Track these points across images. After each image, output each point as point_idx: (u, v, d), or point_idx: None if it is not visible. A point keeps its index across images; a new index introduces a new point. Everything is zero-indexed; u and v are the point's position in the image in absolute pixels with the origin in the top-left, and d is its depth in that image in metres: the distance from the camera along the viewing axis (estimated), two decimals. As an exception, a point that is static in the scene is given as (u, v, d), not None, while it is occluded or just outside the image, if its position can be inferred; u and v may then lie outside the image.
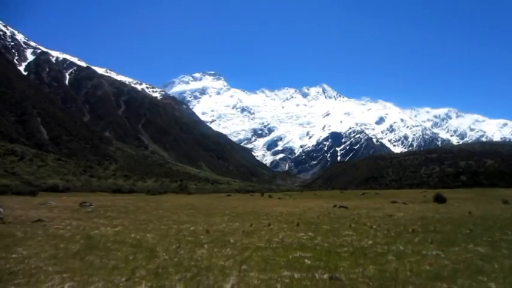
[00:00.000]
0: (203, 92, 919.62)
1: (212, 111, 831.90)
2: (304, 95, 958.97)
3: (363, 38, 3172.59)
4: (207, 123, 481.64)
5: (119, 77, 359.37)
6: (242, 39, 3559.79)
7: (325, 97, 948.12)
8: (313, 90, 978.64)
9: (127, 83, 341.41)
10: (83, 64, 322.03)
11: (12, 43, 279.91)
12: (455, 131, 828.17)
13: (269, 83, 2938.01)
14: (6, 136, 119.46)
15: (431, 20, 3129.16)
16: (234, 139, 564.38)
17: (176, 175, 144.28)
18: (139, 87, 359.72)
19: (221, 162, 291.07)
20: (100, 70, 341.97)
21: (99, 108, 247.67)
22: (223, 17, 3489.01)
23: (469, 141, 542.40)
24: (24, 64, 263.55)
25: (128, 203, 31.71)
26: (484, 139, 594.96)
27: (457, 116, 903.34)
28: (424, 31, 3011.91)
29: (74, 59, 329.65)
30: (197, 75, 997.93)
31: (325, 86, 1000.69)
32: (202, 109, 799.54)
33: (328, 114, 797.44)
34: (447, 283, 7.19)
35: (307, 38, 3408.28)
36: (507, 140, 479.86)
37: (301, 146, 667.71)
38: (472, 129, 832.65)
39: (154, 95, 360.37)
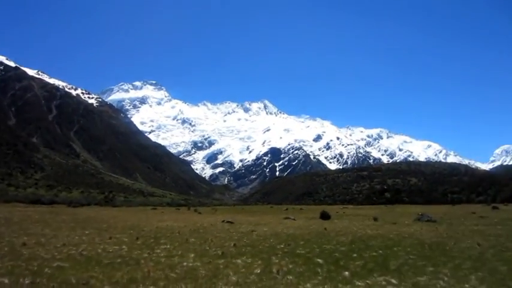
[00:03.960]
0: (143, 101, 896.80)
1: (151, 121, 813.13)
2: (246, 110, 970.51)
3: (303, 57, 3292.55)
4: (146, 134, 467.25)
5: (52, 80, 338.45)
6: (185, 50, 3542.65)
7: (266, 113, 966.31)
8: (255, 106, 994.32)
9: (60, 87, 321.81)
10: (11, 64, 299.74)
11: None
12: (385, 151, 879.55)
13: (211, 96, 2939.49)
14: None
15: (368, 46, 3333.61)
16: (173, 151, 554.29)
17: (107, 186, 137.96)
18: (73, 92, 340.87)
19: (158, 174, 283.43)
20: (31, 72, 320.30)
21: (27, 112, 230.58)
22: (167, 26, 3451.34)
23: (398, 161, 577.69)
24: None
25: (20, 215, 29.57)
26: (410, 159, 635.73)
27: (388, 137, 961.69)
28: (360, 56, 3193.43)
29: (1, 58, 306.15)
30: (137, 83, 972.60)
31: (266, 102, 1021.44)
32: (141, 119, 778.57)
33: (268, 130, 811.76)
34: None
35: (250, 52, 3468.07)
36: (431, 160, 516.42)
37: (240, 160, 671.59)
38: (400, 149, 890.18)
39: (90, 101, 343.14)
